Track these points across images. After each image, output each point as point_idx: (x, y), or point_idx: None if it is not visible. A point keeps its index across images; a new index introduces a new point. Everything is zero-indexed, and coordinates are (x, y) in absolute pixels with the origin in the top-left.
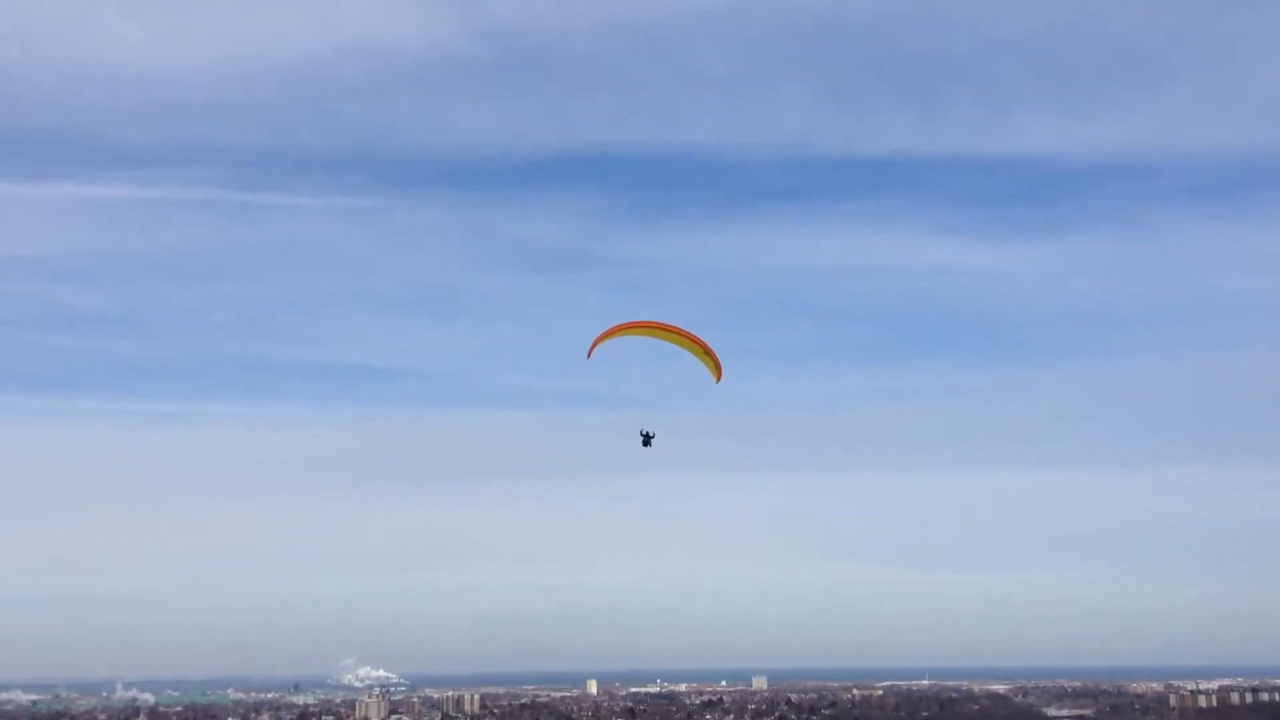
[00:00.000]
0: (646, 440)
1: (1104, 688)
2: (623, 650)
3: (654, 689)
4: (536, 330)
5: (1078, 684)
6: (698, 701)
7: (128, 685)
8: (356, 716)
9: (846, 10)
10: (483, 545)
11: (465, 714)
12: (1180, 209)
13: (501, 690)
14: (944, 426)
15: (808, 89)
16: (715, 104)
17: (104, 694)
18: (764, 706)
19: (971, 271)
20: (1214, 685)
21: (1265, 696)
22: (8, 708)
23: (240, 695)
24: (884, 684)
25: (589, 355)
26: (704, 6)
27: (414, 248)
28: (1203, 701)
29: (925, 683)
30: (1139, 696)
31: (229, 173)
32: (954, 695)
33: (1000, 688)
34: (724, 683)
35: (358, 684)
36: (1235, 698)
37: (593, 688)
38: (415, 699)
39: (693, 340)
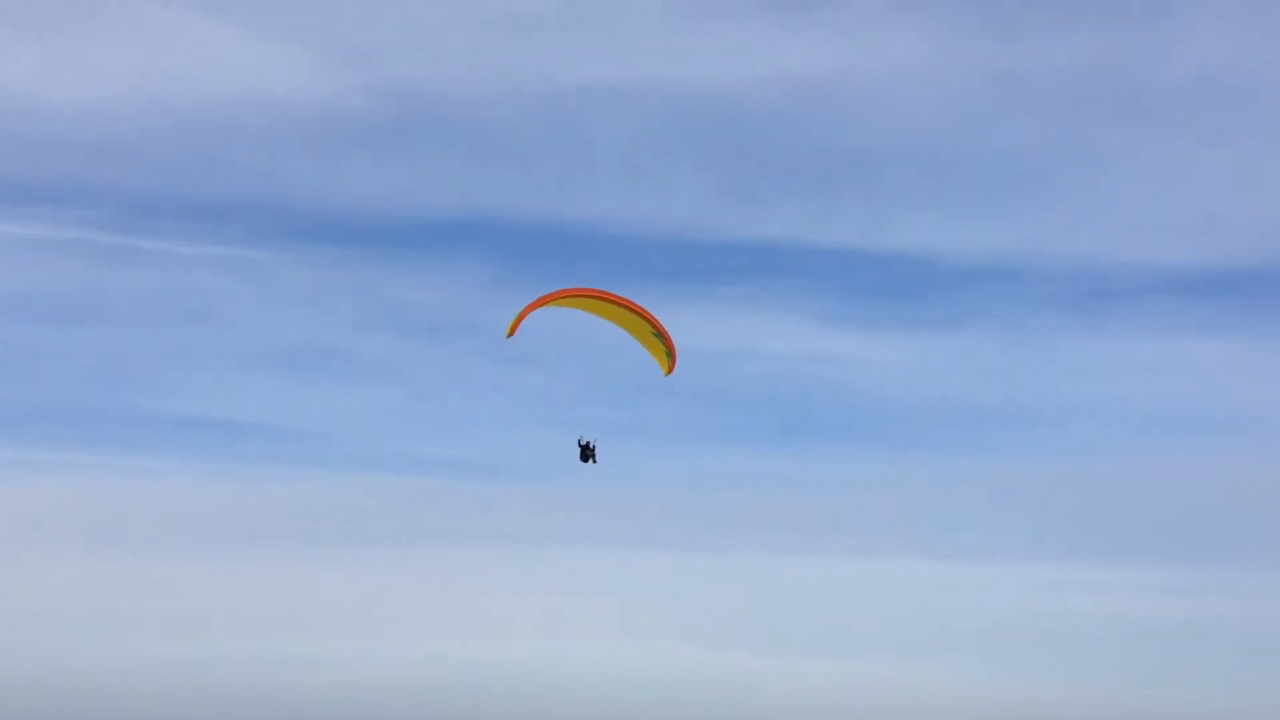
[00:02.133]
0: (585, 454)
1: None
2: None
3: None
4: (413, 396)
5: None
6: None
7: None
8: None
9: (744, 102)
10: (339, 612)
11: None
12: (1049, 314)
13: None
14: (815, 513)
15: (702, 173)
16: (611, 181)
17: None
18: None
19: (850, 361)
20: None
21: None
22: None
23: None
24: None
25: (510, 333)
26: (605, 85)
27: (293, 304)
28: None
29: None
30: None
31: (103, 214)
32: None
33: None
34: None
35: None
36: None
37: None
38: None
39: (639, 314)
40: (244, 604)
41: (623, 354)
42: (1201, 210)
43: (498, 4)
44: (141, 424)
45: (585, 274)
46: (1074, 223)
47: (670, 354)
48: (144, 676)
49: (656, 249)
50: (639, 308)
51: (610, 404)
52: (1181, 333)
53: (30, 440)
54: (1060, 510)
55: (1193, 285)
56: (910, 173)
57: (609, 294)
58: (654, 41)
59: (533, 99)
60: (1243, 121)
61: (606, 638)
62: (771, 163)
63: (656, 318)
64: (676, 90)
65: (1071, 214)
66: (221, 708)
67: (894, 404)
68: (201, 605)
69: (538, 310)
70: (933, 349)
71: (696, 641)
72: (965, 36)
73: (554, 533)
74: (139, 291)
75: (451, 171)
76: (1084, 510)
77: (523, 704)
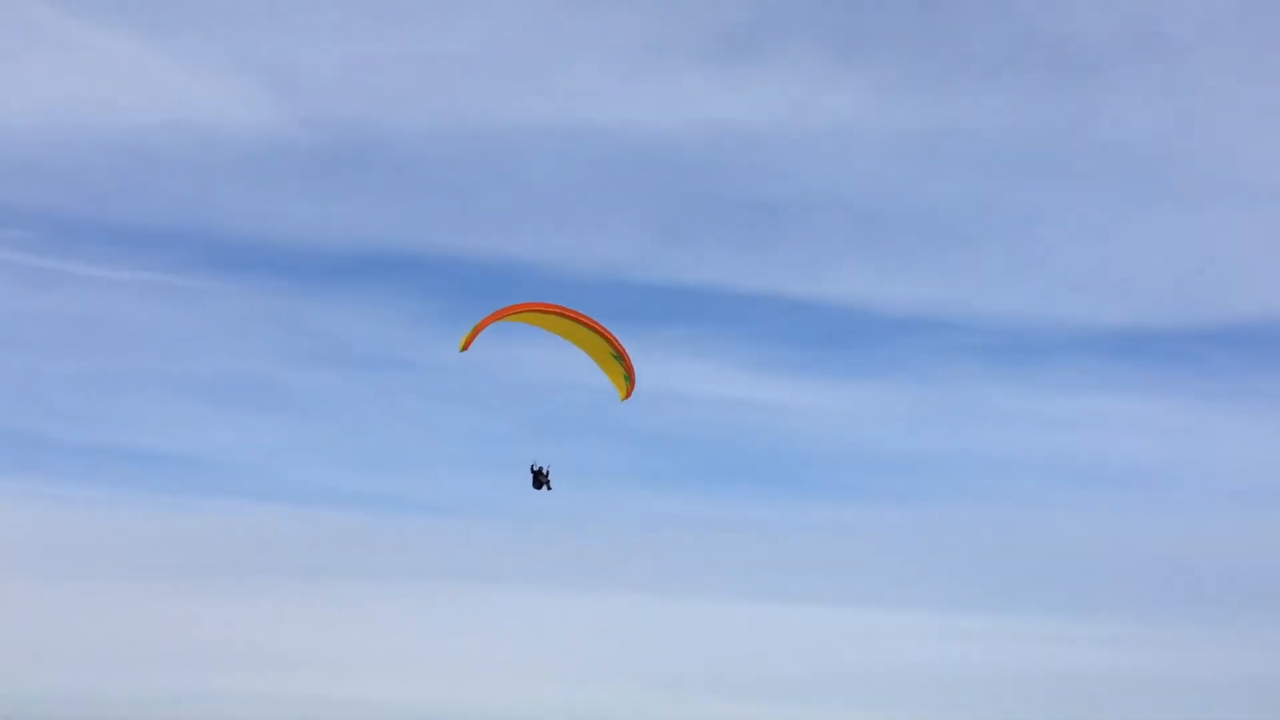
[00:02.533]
0: (539, 480)
1: None
2: None
3: None
4: (343, 429)
5: None
6: None
7: None
8: None
9: (682, 148)
10: (257, 647)
11: None
12: (974, 366)
13: None
14: (739, 557)
15: (638, 216)
16: (546, 220)
17: None
18: None
19: (777, 407)
20: None
21: None
22: None
23: None
24: None
25: (464, 347)
26: (543, 125)
27: (225, 333)
28: None
29: None
30: None
31: (31, 236)
32: None
33: None
34: None
35: None
36: None
37: None
38: None
39: (598, 333)
40: (161, 637)
41: (556, 391)
42: (1120, 272)
43: (439, 42)
44: (63, 451)
45: None
46: (998, 279)
47: (629, 377)
48: (45, 710)
49: (590, 290)
50: (599, 326)
51: (540, 443)
52: (1097, 389)
53: None
54: (977, 559)
55: (1109, 344)
56: (842, 224)
57: (568, 310)
58: (594, 85)
59: (471, 137)
60: (1160, 188)
61: (524, 676)
62: (706, 209)
63: (617, 338)
64: (615, 134)
65: (996, 270)
66: None
67: (819, 450)
68: (116, 637)
69: (490, 326)
70: (859, 397)
71: (611, 681)
72: (900, 94)
73: (479, 570)
74: (64, 316)
75: (386, 206)
76: (1000, 560)
77: None
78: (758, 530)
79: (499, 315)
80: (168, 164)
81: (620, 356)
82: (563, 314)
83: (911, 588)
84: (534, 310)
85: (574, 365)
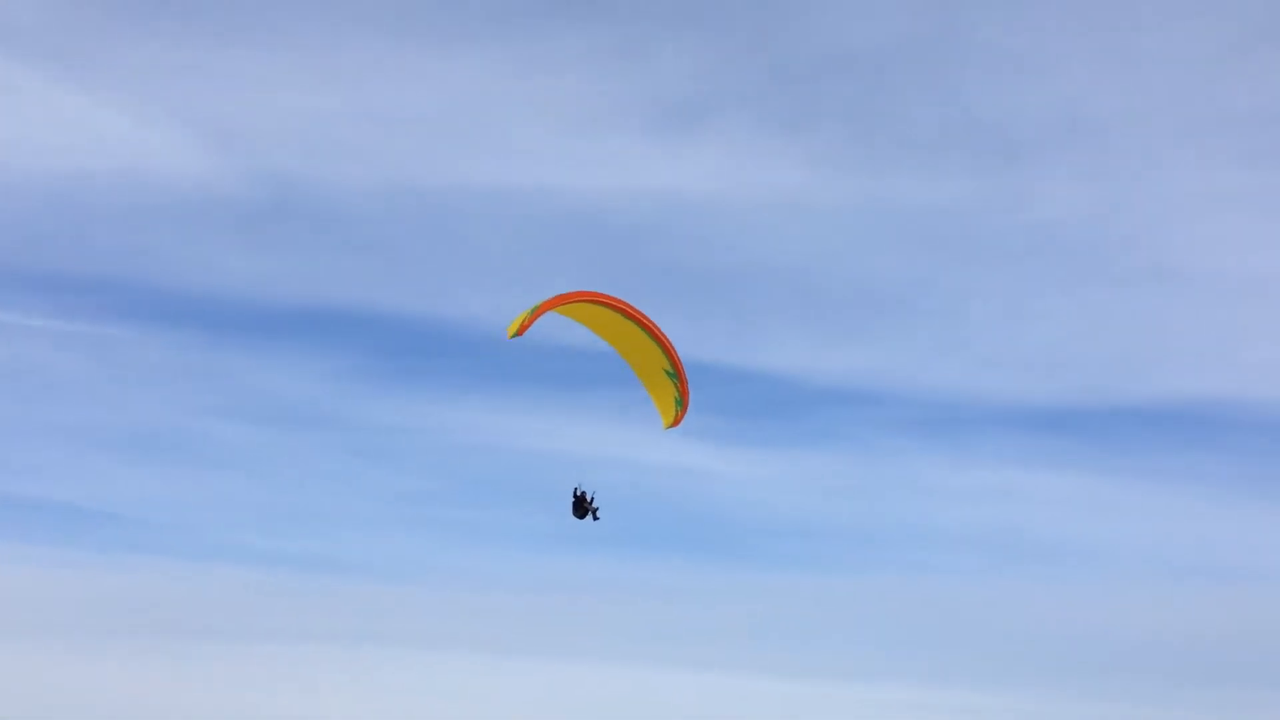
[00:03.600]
0: (581, 508)
1: None
2: None
3: None
4: (264, 486)
5: None
6: None
7: None
8: None
9: (617, 213)
10: (170, 710)
11: None
12: (903, 439)
13: None
14: (665, 624)
15: (573, 280)
16: (482, 282)
17: None
18: None
19: (709, 474)
20: None
21: None
22: None
23: None
24: None
25: (517, 333)
26: (483, 187)
27: (146, 384)
28: None
29: None
30: None
31: None
32: None
33: None
34: None
35: None
36: None
37: None
38: None
39: (658, 342)
40: (72, 699)
41: (482, 453)
42: (1046, 350)
43: (382, 100)
44: None
45: (455, 372)
46: (928, 354)
47: (682, 402)
48: None
49: (525, 352)
50: (661, 334)
51: (464, 503)
52: (1022, 464)
53: None
54: (901, 630)
55: (1035, 420)
56: (778, 294)
57: (629, 307)
58: (536, 149)
59: (410, 196)
60: (1087, 270)
61: None
62: (643, 276)
63: (677, 353)
64: (554, 198)
65: (927, 345)
66: None
67: (748, 518)
68: (25, 699)
69: (547, 313)
70: (790, 466)
71: None
72: (839, 170)
73: (397, 634)
74: None
75: (320, 261)
76: (923, 631)
77: None
78: (684, 597)
79: (556, 302)
80: (97, 211)
81: (676, 375)
82: (621, 310)
83: (836, 657)
84: (591, 301)
85: (516, 431)
